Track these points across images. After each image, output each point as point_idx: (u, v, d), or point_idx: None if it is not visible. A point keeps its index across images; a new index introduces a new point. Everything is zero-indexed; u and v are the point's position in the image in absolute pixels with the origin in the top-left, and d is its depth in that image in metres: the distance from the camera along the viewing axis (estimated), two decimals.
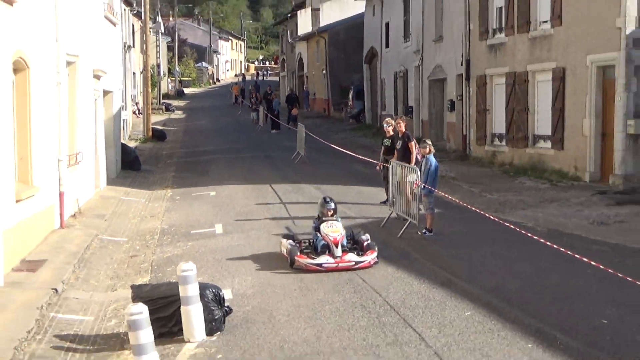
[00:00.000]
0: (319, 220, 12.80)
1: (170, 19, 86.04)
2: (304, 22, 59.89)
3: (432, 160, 14.88)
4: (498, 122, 25.55)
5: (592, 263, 9.96)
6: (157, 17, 60.71)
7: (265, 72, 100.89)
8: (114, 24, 25.30)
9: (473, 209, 14.99)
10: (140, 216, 18.54)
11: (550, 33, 22.21)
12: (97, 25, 21.50)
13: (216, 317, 9.39)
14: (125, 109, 35.77)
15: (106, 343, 9.37)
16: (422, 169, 14.85)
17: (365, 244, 12.42)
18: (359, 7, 47.12)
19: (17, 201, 12.67)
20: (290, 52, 67.30)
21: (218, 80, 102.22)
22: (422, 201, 14.66)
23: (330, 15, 55.65)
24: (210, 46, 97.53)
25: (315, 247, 12.48)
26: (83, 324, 10.13)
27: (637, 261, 12.30)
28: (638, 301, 9.82)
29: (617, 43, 19.02)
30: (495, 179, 22.33)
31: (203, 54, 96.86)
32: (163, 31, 66.20)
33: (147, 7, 40.41)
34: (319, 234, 12.49)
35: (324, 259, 11.85)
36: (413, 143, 16.92)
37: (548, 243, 11.41)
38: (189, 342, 9.06)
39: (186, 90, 79.48)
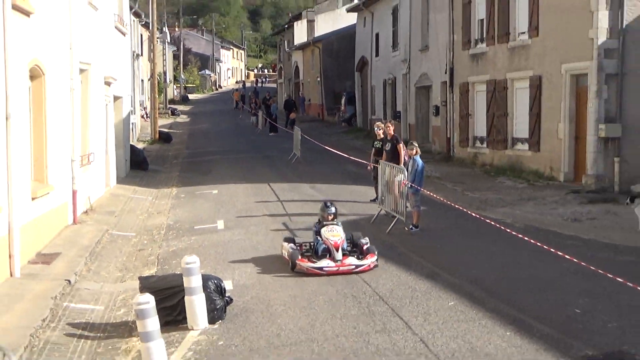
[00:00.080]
0: (320, 224, 12.19)
1: (176, 29, 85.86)
2: (299, 33, 59.90)
3: (419, 161, 14.92)
4: (479, 126, 25.58)
5: (566, 256, 9.98)
6: (164, 28, 60.66)
7: (264, 79, 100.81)
8: (124, 34, 25.25)
9: (456, 206, 15.01)
10: (148, 213, 18.52)
11: (528, 43, 22.23)
12: (108, 35, 21.46)
13: (218, 307, 9.39)
14: (134, 113, 35.72)
15: (115, 331, 9.37)
16: (409, 169, 14.87)
17: (364, 247, 11.87)
18: (351, 19, 47.14)
19: (33, 199, 12.65)
20: (287, 60, 67.26)
21: (220, 86, 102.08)
22: (409, 199, 14.68)
23: (324, 27, 55.63)
24: (213, 55, 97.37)
25: (316, 251, 11.80)
26: (94, 313, 10.12)
27: (607, 255, 12.34)
28: (608, 292, 9.84)
29: (589, 53, 19.04)
30: (476, 179, 22.35)
31: (206, 62, 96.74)
32: (169, 41, 66.16)
33: (155, 18, 40.37)
34: (319, 238, 11.86)
35: (325, 263, 11.29)
36: (401, 145, 16.93)
37: (525, 238, 11.42)
38: (192, 329, 9.06)
39: (190, 96, 79.36)
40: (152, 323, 7.62)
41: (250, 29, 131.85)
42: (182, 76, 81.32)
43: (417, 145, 15.47)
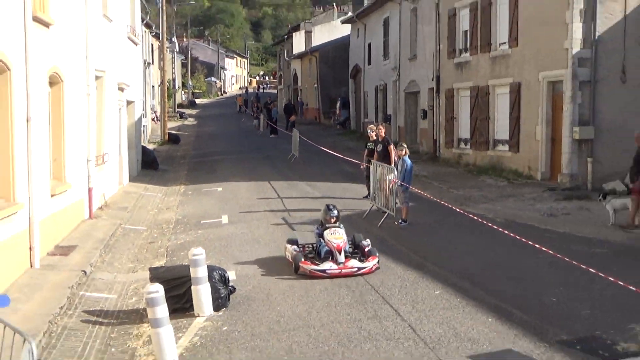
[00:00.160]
0: (322, 226, 11.54)
1: (184, 39, 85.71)
2: (298, 43, 59.86)
3: (408, 161, 14.93)
4: (463, 128, 25.57)
5: (543, 249, 9.98)
6: (173, 38, 60.46)
7: (265, 86, 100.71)
8: (136, 44, 25.22)
9: (442, 202, 15.02)
10: (158, 208, 18.50)
11: (508, 53, 22.23)
12: (122, 44, 21.43)
13: (222, 295, 9.39)
14: (145, 117, 35.64)
15: (128, 317, 9.36)
16: (399, 168, 14.88)
17: (366, 249, 11.22)
18: (345, 30, 47.13)
19: (52, 195, 12.65)
20: (287, 68, 67.20)
21: (225, 92, 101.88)
22: (399, 196, 14.69)
23: (320, 37, 55.63)
24: (218, 63, 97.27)
25: (318, 253, 11.16)
26: (108, 301, 10.11)
27: (581, 248, 12.34)
28: (582, 282, 9.84)
29: (564, 62, 19.05)
30: (461, 178, 22.35)
31: (212, 69, 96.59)
32: (178, 50, 66.01)
33: (165, 29, 40.29)
34: (322, 240, 11.22)
35: (328, 265, 10.63)
36: (392, 147, 16.95)
37: (505, 232, 11.43)
38: (198, 316, 9.06)
39: (197, 101, 79.20)
40: (162, 310, 7.61)
41: (253, 39, 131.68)
42: (190, 82, 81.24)
43: (406, 146, 15.50)
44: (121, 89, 20.91)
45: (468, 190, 19.44)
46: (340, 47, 47.97)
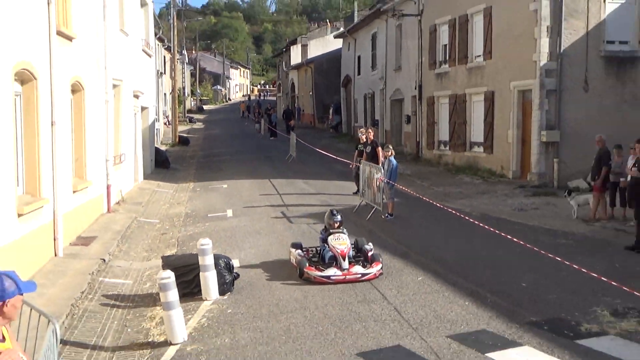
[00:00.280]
0: (326, 231, 10.57)
1: (193, 52, 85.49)
2: (295, 55, 59.72)
3: (393, 161, 14.93)
4: (443, 132, 25.58)
5: (514, 240, 9.99)
6: (183, 51, 60.28)
7: (265, 93, 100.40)
8: (150, 56, 25.13)
9: (424, 198, 15.02)
10: (169, 203, 18.45)
11: (483, 65, 22.24)
12: (137, 56, 21.35)
13: (227, 281, 9.37)
14: (158, 121, 35.57)
15: (142, 301, 9.34)
16: (386, 167, 14.87)
17: (370, 254, 10.23)
18: (338, 44, 47.06)
19: (74, 192, 12.61)
20: (285, 78, 67.04)
21: (229, 99, 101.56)
22: (385, 192, 14.68)
23: (315, 50, 55.48)
24: (224, 73, 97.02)
25: (322, 257, 10.26)
26: (124, 286, 10.08)
27: (548, 238, 12.37)
28: (549, 269, 9.85)
29: (533, 73, 19.07)
30: (441, 176, 22.36)
31: (218, 79, 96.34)
32: (187, 61, 65.83)
33: (175, 43, 40.22)
34: (326, 245, 10.29)
35: (332, 272, 9.67)
36: (379, 148, 16.93)
37: (481, 224, 11.44)
38: (206, 300, 9.04)
39: (205, 107, 78.93)
40: (173, 294, 7.59)
41: (255, 52, 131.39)
42: (198, 90, 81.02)
43: (392, 148, 15.52)
44: (136, 96, 20.84)
45: (447, 188, 19.45)
46: (333, 59, 47.91)
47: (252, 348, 7.24)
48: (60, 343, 7.07)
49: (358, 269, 9.77)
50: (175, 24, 39.88)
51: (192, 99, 75.92)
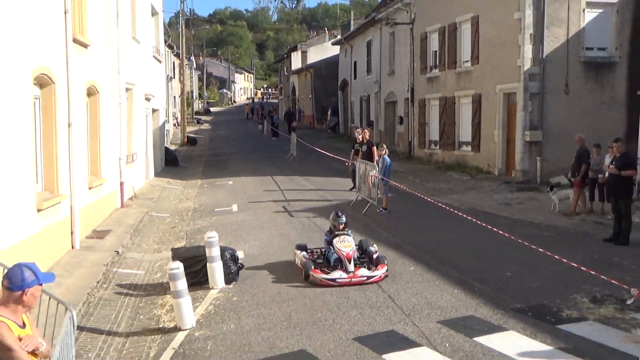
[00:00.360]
0: (331, 233, 9.99)
1: (200, 58, 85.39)
2: (296, 61, 59.65)
3: (387, 159, 14.94)
4: (433, 132, 25.55)
5: (500, 232, 9.99)
6: (191, 57, 60.17)
7: (268, 96, 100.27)
8: (160, 62, 25.08)
9: (416, 194, 15.03)
10: (179, 199, 18.43)
11: (471, 69, 22.21)
12: (148, 62, 21.31)
13: (232, 271, 9.36)
14: (168, 122, 35.46)
15: (153, 290, 9.33)
16: (380, 165, 14.87)
17: (374, 256, 9.63)
18: (335, 50, 47.00)
19: (89, 188, 12.59)
20: (286, 82, 66.95)
21: (234, 102, 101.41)
22: (380, 188, 14.68)
23: (314, 56, 55.42)
24: (229, 77, 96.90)
25: (327, 259, 9.64)
26: (137, 276, 10.07)
27: (531, 231, 12.37)
28: (532, 260, 9.85)
29: (517, 77, 19.05)
30: (431, 173, 22.35)
31: (224, 83, 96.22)
32: (195, 67, 65.74)
33: (184, 49, 40.19)
34: (332, 248, 9.70)
35: (338, 274, 9.04)
36: (374, 147, 16.92)
37: (469, 218, 11.44)
38: (212, 289, 9.04)
39: (212, 109, 78.76)
40: (182, 284, 7.59)
41: (258, 58, 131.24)
42: (205, 94, 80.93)
43: (386, 147, 15.54)
44: (148, 99, 20.81)
45: (438, 184, 19.44)
46: (331, 64, 47.85)
47: (255, 333, 7.24)
48: (77, 329, 7.07)
49: (364, 271, 9.19)
50: (183, 32, 39.83)
51: (199, 102, 75.82)
